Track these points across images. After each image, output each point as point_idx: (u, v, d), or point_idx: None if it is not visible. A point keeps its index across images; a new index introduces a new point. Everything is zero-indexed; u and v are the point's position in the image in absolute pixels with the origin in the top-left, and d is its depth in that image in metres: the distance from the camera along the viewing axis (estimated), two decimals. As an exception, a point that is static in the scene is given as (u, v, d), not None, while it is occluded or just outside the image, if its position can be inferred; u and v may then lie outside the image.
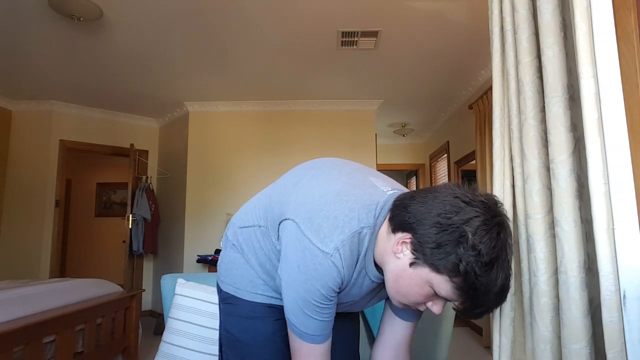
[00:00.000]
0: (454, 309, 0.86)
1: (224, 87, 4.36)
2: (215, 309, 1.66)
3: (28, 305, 2.21)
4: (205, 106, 4.81)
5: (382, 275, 0.92)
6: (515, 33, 1.00)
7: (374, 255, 0.91)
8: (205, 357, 1.62)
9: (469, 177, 4.77)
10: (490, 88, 3.29)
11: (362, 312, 1.66)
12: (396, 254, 0.85)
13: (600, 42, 0.79)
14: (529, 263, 0.95)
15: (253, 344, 1.04)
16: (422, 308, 0.88)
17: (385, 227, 0.88)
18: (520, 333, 1.02)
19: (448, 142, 5.46)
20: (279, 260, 0.97)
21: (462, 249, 0.76)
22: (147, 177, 5.24)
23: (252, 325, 1.05)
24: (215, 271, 4.06)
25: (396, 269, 0.85)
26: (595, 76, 0.79)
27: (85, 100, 4.71)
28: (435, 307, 0.86)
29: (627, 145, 0.77)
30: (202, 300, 1.69)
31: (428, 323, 1.55)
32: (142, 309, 4.94)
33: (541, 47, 0.92)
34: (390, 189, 0.95)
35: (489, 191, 0.96)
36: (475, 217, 0.78)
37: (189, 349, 1.64)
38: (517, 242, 1.01)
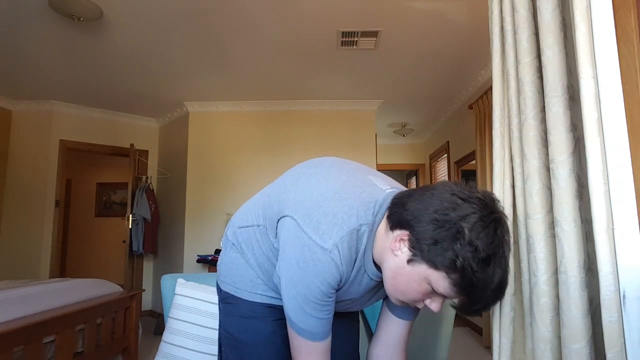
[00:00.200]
0: (452, 306, 0.86)
1: (224, 87, 4.36)
2: (215, 309, 1.66)
3: (28, 305, 2.21)
4: (205, 106, 4.81)
5: (381, 273, 0.92)
6: (515, 33, 1.00)
7: (372, 253, 0.91)
8: (205, 357, 1.62)
9: (469, 177, 4.77)
10: (490, 88, 3.29)
11: (362, 312, 1.66)
12: (394, 252, 0.85)
13: (600, 42, 0.79)
14: (528, 263, 0.95)
15: (252, 344, 1.04)
16: (420, 306, 0.89)
17: (383, 224, 0.89)
18: (520, 333, 1.02)
19: (448, 142, 5.46)
20: (277, 260, 0.97)
21: (459, 245, 0.76)
22: (147, 177, 5.24)
23: (251, 325, 1.05)
24: (215, 271, 4.04)
25: (394, 266, 0.85)
26: (595, 76, 0.79)
27: (85, 100, 4.71)
28: (433, 305, 0.86)
29: (627, 145, 0.77)
30: (202, 300, 1.69)
31: (428, 323, 1.55)
32: (142, 309, 4.94)
33: (541, 47, 0.92)
34: (389, 188, 0.96)
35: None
36: (472, 213, 0.78)
37: (189, 349, 1.64)
38: (517, 242, 1.01)
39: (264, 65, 3.80)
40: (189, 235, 4.71)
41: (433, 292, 0.84)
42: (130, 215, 4.80)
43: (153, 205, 5.03)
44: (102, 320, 2.59)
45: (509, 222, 1.01)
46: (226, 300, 1.10)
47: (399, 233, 0.84)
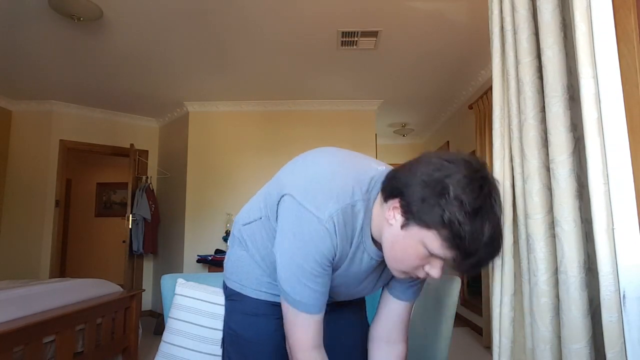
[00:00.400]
0: (451, 267, 0.86)
1: (224, 87, 4.35)
2: (216, 309, 1.66)
3: (28, 305, 2.21)
4: (205, 106, 4.81)
5: (382, 252, 0.94)
6: (515, 33, 1.00)
7: (371, 231, 0.93)
8: (205, 357, 1.62)
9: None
10: (490, 88, 3.29)
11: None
12: (389, 221, 0.87)
13: (600, 42, 0.79)
14: (528, 263, 0.95)
15: (254, 341, 1.05)
16: (421, 274, 0.89)
17: (378, 200, 0.92)
18: (520, 333, 1.02)
19: (448, 142, 5.46)
20: None
21: (444, 201, 0.78)
22: (147, 177, 5.24)
23: (255, 322, 1.06)
24: (215, 271, 4.06)
25: (390, 236, 0.87)
26: (595, 76, 0.79)
27: (85, 100, 4.71)
28: (433, 271, 0.87)
29: (627, 145, 0.77)
30: (202, 300, 1.69)
31: (428, 323, 1.55)
32: (142, 309, 4.93)
33: (541, 47, 0.92)
34: (384, 167, 0.99)
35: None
36: (457, 172, 0.80)
37: (189, 349, 1.64)
38: (517, 242, 1.02)
39: (264, 65, 3.80)
40: (189, 235, 4.71)
41: (430, 256, 0.84)
42: (130, 215, 4.80)
43: (153, 205, 5.03)
44: (102, 320, 2.59)
45: (509, 222, 1.01)
46: (231, 297, 1.11)
47: (391, 202, 0.86)
